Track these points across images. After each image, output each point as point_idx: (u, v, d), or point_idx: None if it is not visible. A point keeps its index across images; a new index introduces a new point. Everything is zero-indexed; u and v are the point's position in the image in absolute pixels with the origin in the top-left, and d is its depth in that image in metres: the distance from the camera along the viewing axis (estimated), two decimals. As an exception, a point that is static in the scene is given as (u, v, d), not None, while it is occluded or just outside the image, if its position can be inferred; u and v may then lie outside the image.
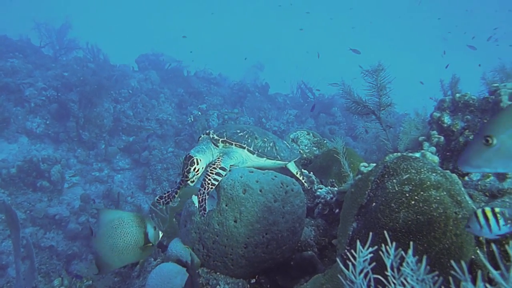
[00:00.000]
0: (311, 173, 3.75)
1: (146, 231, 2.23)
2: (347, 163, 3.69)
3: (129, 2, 42.55)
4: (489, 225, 1.38)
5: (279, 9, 36.30)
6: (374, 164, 2.80)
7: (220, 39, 38.44)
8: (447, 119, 3.70)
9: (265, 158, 2.98)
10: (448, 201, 1.81)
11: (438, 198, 1.82)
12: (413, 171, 1.97)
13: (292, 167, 3.38)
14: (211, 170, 2.72)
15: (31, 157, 9.20)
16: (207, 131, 2.95)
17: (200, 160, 2.74)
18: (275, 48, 36.89)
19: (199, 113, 12.55)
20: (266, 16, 44.37)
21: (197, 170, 2.71)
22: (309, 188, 3.50)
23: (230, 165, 2.83)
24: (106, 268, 2.25)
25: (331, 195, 3.40)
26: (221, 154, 2.90)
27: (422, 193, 1.85)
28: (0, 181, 8.66)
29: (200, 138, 3.00)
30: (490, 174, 2.45)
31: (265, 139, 3.02)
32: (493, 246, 1.18)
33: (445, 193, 1.84)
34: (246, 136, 2.94)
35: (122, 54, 18.06)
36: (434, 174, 1.92)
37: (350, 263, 1.42)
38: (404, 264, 1.32)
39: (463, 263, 1.16)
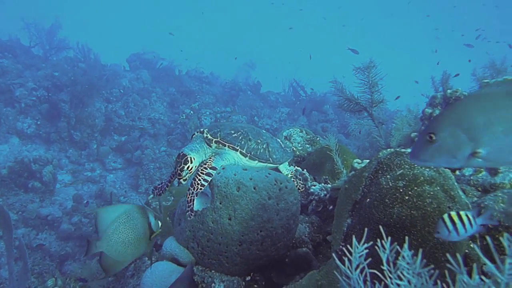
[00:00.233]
0: (305, 170, 3.75)
1: (149, 221, 2.25)
2: (340, 160, 3.70)
3: (120, 2, 42.27)
4: (456, 229, 1.43)
5: (270, 7, 36.23)
6: (368, 161, 2.82)
7: (211, 37, 38.37)
8: (439, 115, 3.72)
9: (256, 161, 2.97)
10: (441, 196, 1.83)
11: (431, 193, 1.83)
12: (407, 166, 1.98)
13: (283, 168, 3.36)
14: (201, 170, 2.71)
15: (22, 157, 9.13)
16: (201, 129, 2.94)
17: (194, 158, 2.74)
18: (266, 47, 36.88)
19: (191, 112, 12.52)
20: (257, 15, 44.34)
21: (191, 169, 2.71)
22: (302, 189, 3.49)
23: (221, 166, 2.82)
24: (117, 267, 2.26)
25: (325, 192, 3.41)
26: (213, 154, 2.89)
27: (415, 188, 1.87)
28: (-9, 182, 8.59)
29: (194, 136, 2.99)
30: (482, 169, 2.47)
31: (259, 141, 3.01)
32: (488, 239, 1.20)
33: (438, 188, 1.85)
34: (240, 137, 2.93)
35: (113, 53, 17.97)
36: (427, 169, 1.94)
37: (346, 259, 1.42)
38: (400, 258, 1.32)
39: (458, 255, 1.17)
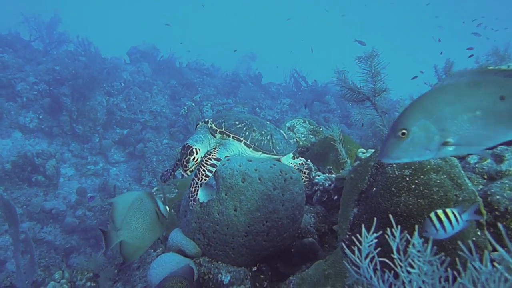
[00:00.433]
0: (309, 160, 3.75)
1: (158, 206, 2.29)
2: (344, 150, 3.71)
3: (119, -5, 42.10)
4: (443, 226, 1.45)
5: (271, -2, 36.13)
6: (372, 150, 2.81)
7: (212, 29, 38.27)
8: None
9: (260, 152, 2.96)
10: (448, 184, 1.82)
11: (438, 181, 1.83)
12: (413, 155, 1.98)
13: (286, 160, 3.32)
14: (206, 160, 2.71)
15: (25, 152, 9.16)
16: (206, 120, 2.93)
17: (199, 149, 2.74)
18: (267, 38, 36.75)
19: (193, 104, 12.52)
20: (257, 6, 44.15)
21: (196, 160, 2.71)
22: (307, 181, 3.47)
23: (225, 157, 2.82)
24: (138, 253, 2.30)
25: (329, 182, 3.41)
26: (217, 145, 2.89)
27: (422, 176, 1.86)
28: (-5, 177, 8.63)
29: (198, 126, 2.98)
30: (487, 157, 2.46)
31: (263, 132, 2.99)
32: (500, 226, 1.20)
33: (445, 176, 1.85)
34: (244, 128, 2.91)
35: (113, 46, 17.93)
36: (433, 157, 1.93)
37: (355, 248, 1.43)
38: (410, 246, 1.33)
39: (470, 242, 1.17)
